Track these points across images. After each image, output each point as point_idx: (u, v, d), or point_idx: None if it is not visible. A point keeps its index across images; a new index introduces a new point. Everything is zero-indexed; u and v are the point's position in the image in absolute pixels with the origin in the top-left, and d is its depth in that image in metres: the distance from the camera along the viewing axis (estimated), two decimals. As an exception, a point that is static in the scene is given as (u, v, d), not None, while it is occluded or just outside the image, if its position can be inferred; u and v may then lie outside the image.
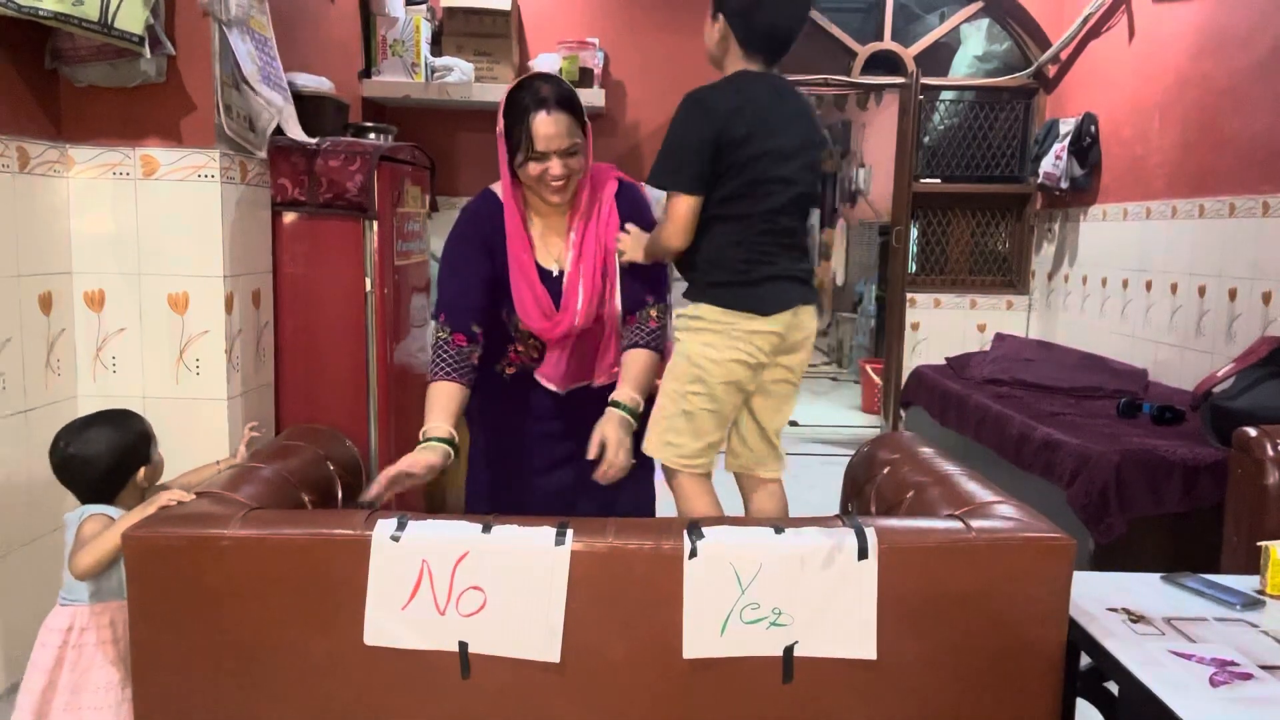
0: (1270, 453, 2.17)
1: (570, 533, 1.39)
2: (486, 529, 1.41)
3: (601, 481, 1.70)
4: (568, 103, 1.74)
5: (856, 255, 8.42)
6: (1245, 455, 2.23)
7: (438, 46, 4.35)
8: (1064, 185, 4.64)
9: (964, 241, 5.43)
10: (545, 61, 4.33)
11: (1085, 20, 4.62)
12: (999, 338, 4.71)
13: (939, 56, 5.39)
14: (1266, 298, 3.26)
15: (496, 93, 4.19)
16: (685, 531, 1.40)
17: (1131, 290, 4.24)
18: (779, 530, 1.42)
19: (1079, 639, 1.43)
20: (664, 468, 1.79)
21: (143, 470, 1.82)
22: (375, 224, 2.62)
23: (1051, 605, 1.41)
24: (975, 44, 5.32)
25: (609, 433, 1.71)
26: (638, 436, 1.79)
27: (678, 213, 1.67)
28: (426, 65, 4.14)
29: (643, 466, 1.88)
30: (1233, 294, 3.47)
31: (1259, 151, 3.36)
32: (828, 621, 1.39)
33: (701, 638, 1.38)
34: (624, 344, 1.87)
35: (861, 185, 8.55)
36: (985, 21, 5.23)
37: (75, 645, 1.72)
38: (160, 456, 1.88)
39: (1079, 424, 3.21)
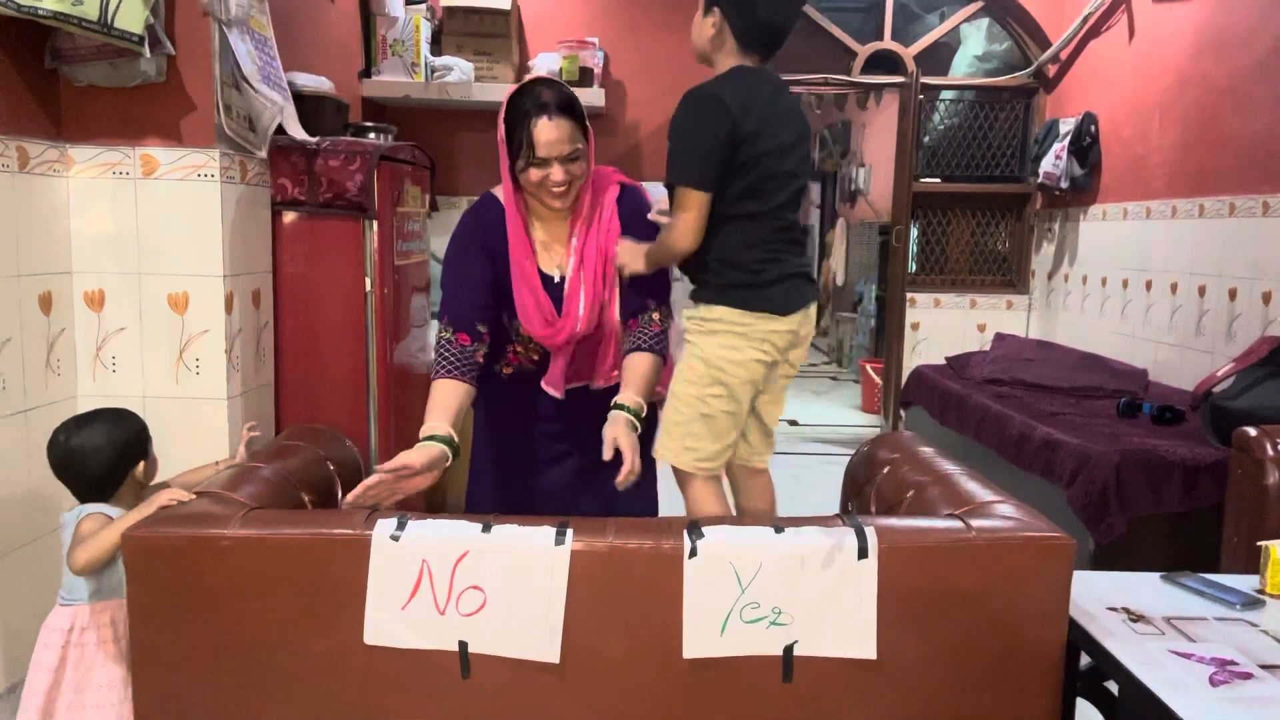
0: (1270, 453, 2.17)
1: (570, 532, 1.39)
2: (486, 529, 1.41)
3: (621, 488, 1.66)
4: (569, 107, 1.73)
5: (856, 255, 8.42)
6: (1245, 455, 2.23)
7: (438, 46, 4.35)
8: (1064, 185, 4.64)
9: (964, 241, 5.43)
10: (545, 61, 4.33)
11: (1085, 20, 4.62)
12: (999, 337, 4.71)
13: (939, 56, 5.39)
14: (1266, 298, 3.26)
15: (496, 92, 4.19)
16: (685, 531, 1.40)
17: (1131, 290, 4.24)
18: (779, 530, 1.42)
19: (1079, 639, 1.43)
20: (677, 473, 1.76)
21: (141, 465, 1.83)
22: (375, 224, 2.62)
23: (1051, 605, 1.41)
24: (975, 44, 5.32)
25: (621, 436, 1.66)
26: (641, 439, 1.77)
27: (689, 212, 1.63)
28: (426, 65, 4.14)
29: (647, 466, 1.87)
30: (1233, 294, 3.47)
31: (1259, 151, 3.36)
32: (828, 621, 1.39)
33: (701, 637, 1.38)
34: (626, 347, 1.86)
35: (861, 185, 8.55)
36: (985, 21, 5.23)
37: (77, 644, 1.72)
38: (155, 455, 1.88)
39: (1079, 424, 3.21)
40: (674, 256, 1.72)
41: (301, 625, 1.40)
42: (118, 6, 2.00)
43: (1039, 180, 4.89)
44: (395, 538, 1.39)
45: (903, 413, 4.86)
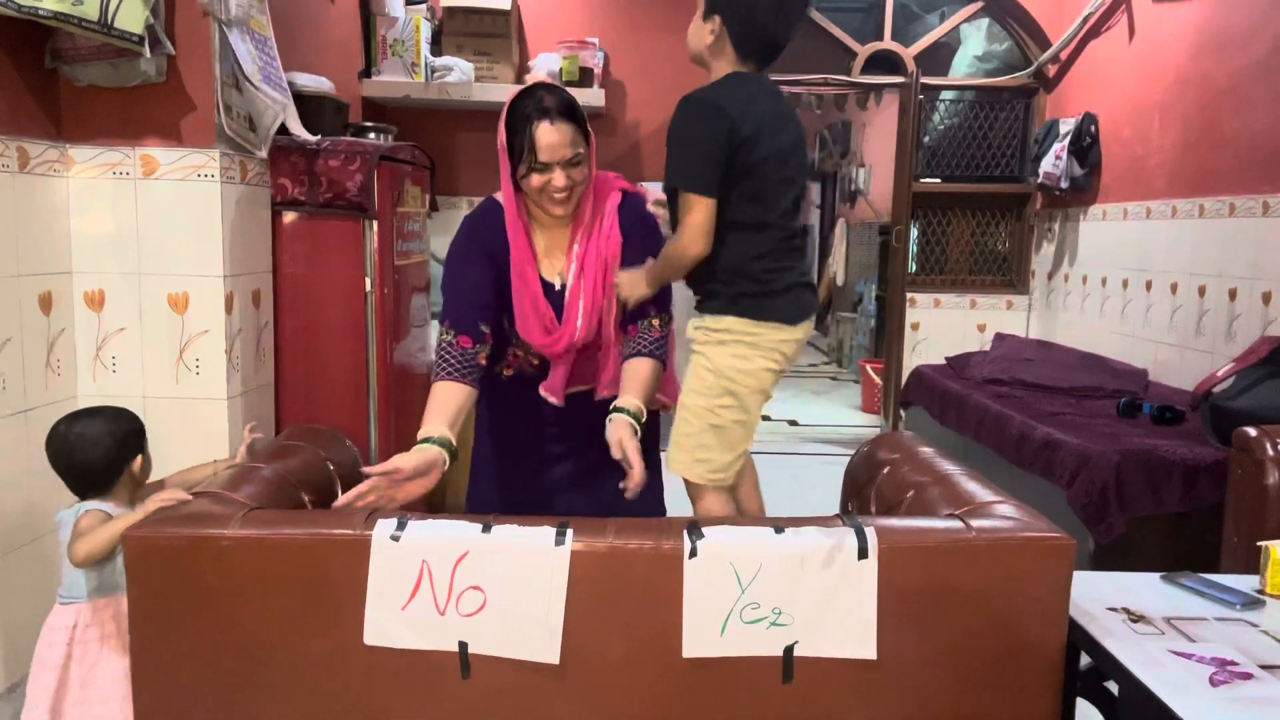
0: (1270, 453, 2.17)
1: (570, 533, 1.39)
2: (486, 529, 1.41)
3: (630, 497, 1.64)
4: (570, 112, 1.72)
5: (856, 255, 8.42)
6: (1245, 455, 2.23)
7: (438, 46, 4.36)
8: (1064, 185, 4.64)
9: (964, 241, 5.43)
10: (545, 61, 4.33)
11: (1085, 20, 4.62)
12: (999, 337, 4.71)
13: (939, 56, 5.39)
14: (1266, 298, 3.26)
15: (496, 92, 4.20)
16: (685, 531, 1.40)
17: (1131, 290, 4.24)
18: (779, 530, 1.42)
19: (1079, 639, 1.43)
20: (688, 484, 1.75)
21: (138, 460, 1.85)
22: (375, 224, 2.62)
23: (1051, 605, 1.41)
24: (975, 44, 5.32)
25: (626, 440, 1.64)
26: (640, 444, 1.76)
27: (696, 218, 1.62)
28: (426, 65, 4.14)
29: (653, 469, 1.86)
30: (1233, 294, 3.47)
31: (1259, 151, 3.36)
32: (828, 621, 1.39)
33: (701, 637, 1.38)
34: (626, 352, 1.84)
35: (861, 185, 8.55)
36: (985, 21, 5.23)
37: (80, 641, 1.75)
38: (150, 455, 1.90)
39: (1079, 424, 3.21)
40: (683, 266, 1.69)
41: (301, 625, 1.40)
42: (118, 6, 2.00)
43: (1039, 180, 4.89)
44: (395, 538, 1.39)
45: (903, 413, 4.86)
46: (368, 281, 2.64)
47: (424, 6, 4.19)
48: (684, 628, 1.38)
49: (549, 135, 1.69)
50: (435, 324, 1.97)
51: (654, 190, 1.91)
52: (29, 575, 2.20)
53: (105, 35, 2.01)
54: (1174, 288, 3.88)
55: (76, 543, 1.70)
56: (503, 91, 4.20)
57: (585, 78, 4.35)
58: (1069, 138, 4.56)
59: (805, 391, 7.05)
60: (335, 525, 1.42)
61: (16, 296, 2.14)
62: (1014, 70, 5.19)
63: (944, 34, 5.23)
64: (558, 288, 1.85)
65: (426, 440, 1.64)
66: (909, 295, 5.10)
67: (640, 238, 1.85)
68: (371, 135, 3.01)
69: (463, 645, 1.39)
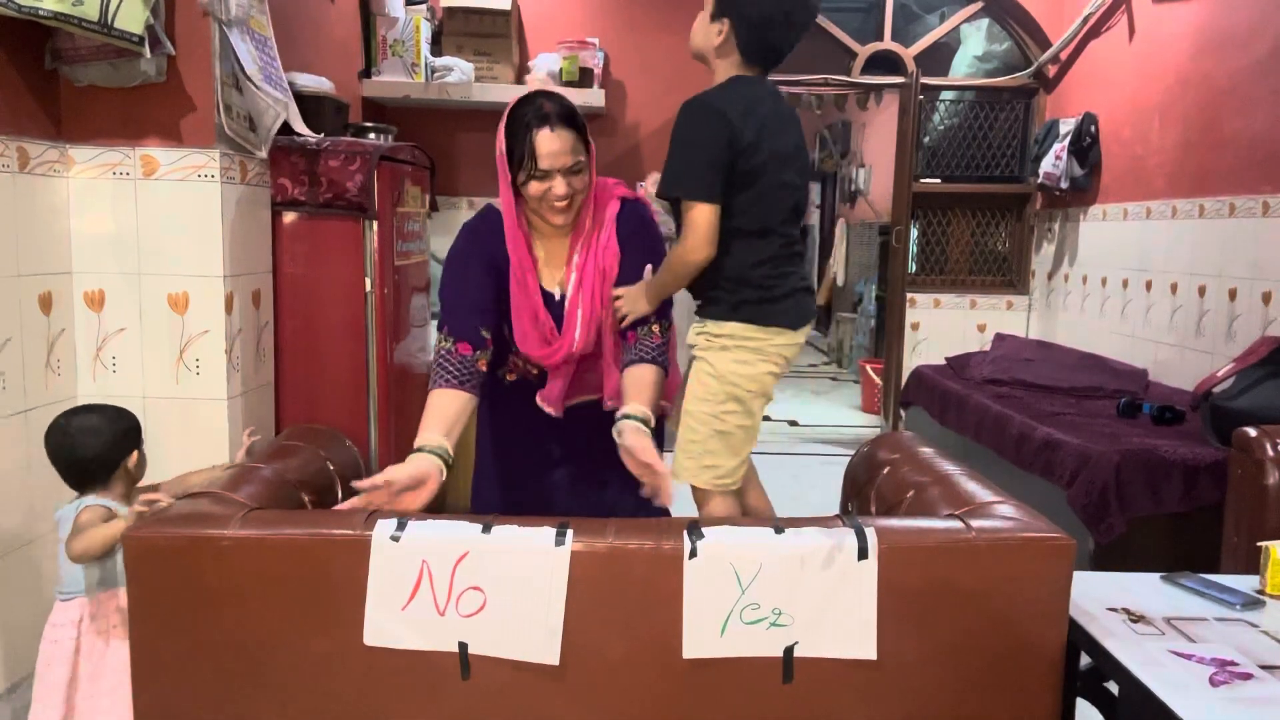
0: (1270, 453, 2.17)
1: (570, 533, 1.39)
2: (486, 529, 1.41)
3: (665, 503, 1.60)
4: (571, 119, 1.70)
5: (856, 255, 8.43)
6: (1245, 455, 2.23)
7: (438, 46, 4.36)
8: (1064, 185, 4.64)
9: (964, 241, 5.43)
10: (545, 61, 4.33)
11: (1085, 20, 4.62)
12: (999, 338, 4.71)
13: (939, 56, 5.39)
14: (1266, 298, 3.26)
15: (496, 93, 4.20)
16: (685, 531, 1.40)
17: (1131, 290, 4.24)
18: (779, 530, 1.42)
19: (1079, 639, 1.43)
20: (695, 491, 1.75)
21: (134, 455, 1.86)
22: (375, 224, 2.62)
23: (1051, 605, 1.41)
24: (975, 44, 5.32)
25: (646, 444, 1.59)
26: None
27: (700, 223, 1.61)
28: (426, 65, 4.14)
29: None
30: (1233, 294, 3.47)
31: (1259, 151, 3.36)
32: (828, 621, 1.39)
33: (701, 638, 1.38)
34: (627, 359, 1.81)
35: (861, 185, 8.55)
36: (985, 21, 5.23)
37: (87, 634, 1.78)
38: (145, 454, 1.92)
39: (1079, 424, 3.21)
40: (688, 273, 1.68)
41: (301, 625, 1.40)
42: (118, 6, 2.00)
43: (1039, 180, 4.89)
44: (395, 538, 1.38)
45: (903, 413, 4.86)
46: (368, 281, 2.63)
47: (424, 6, 4.19)
48: (684, 628, 1.38)
49: (549, 142, 1.67)
50: (435, 324, 1.97)
51: (653, 178, 1.90)
52: (29, 576, 2.20)
53: (105, 35, 2.01)
54: (1174, 288, 3.88)
55: (74, 539, 1.71)
56: (503, 91, 4.21)
57: (585, 78, 4.35)
58: (1069, 138, 4.56)
59: (805, 392, 7.05)
60: (335, 525, 1.42)
61: (16, 296, 2.14)
62: (1014, 70, 5.19)
63: (944, 34, 5.23)
64: (557, 298, 1.83)
65: (421, 449, 1.62)
66: (909, 295, 5.10)
67: (640, 245, 1.83)
68: (371, 135, 3.01)
69: (463, 646, 1.39)
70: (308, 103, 2.76)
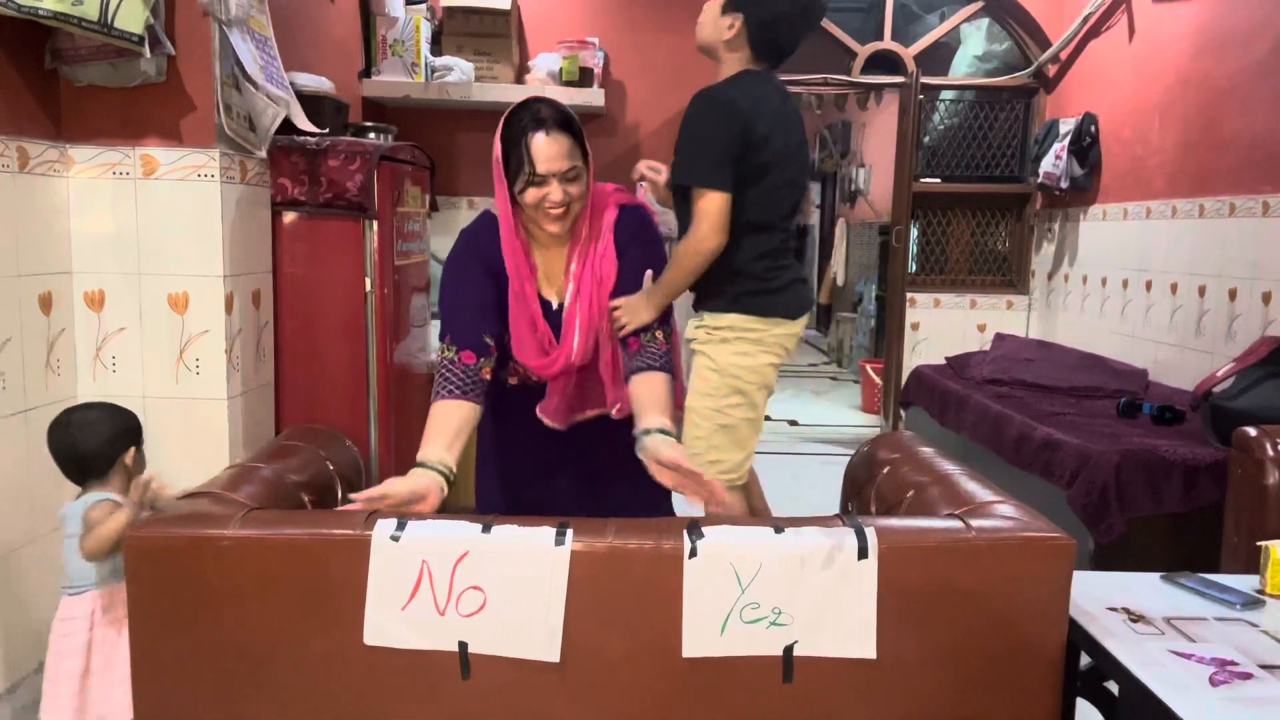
0: (1270, 453, 2.17)
1: (570, 533, 1.39)
2: (486, 529, 1.41)
3: (717, 507, 1.58)
4: (567, 124, 1.69)
5: (856, 255, 8.43)
6: (1245, 455, 2.23)
7: (438, 46, 4.35)
8: (1064, 185, 4.64)
9: (964, 241, 5.43)
10: (545, 61, 4.33)
11: (1085, 20, 4.62)
12: (999, 338, 4.71)
13: (939, 56, 5.39)
14: (1266, 298, 3.26)
15: (496, 93, 4.20)
16: (685, 531, 1.40)
17: (1131, 290, 4.24)
18: (779, 530, 1.42)
19: (1079, 639, 1.43)
20: None
21: (132, 451, 1.88)
22: (375, 224, 2.62)
23: (1051, 605, 1.41)
24: (975, 44, 5.32)
25: (681, 456, 1.56)
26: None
27: (712, 211, 1.60)
28: (426, 65, 4.14)
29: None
30: (1233, 294, 3.47)
31: (1259, 151, 3.36)
32: (827, 621, 1.39)
33: (701, 637, 1.38)
34: (632, 367, 1.77)
35: (861, 185, 8.55)
36: (985, 21, 5.23)
37: (100, 625, 1.79)
38: (144, 453, 1.93)
39: (1079, 424, 3.21)
40: (697, 266, 1.67)
41: (301, 625, 1.40)
42: (118, 6, 2.00)
43: (1039, 180, 4.89)
44: (395, 538, 1.39)
45: (903, 413, 4.86)
46: (368, 281, 2.64)
47: (424, 6, 4.19)
48: (684, 627, 1.38)
49: (546, 146, 1.66)
50: (436, 324, 1.96)
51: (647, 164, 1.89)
52: (30, 575, 2.19)
53: (105, 35, 2.01)
54: (1174, 288, 3.88)
55: (87, 537, 1.73)
56: (503, 91, 4.21)
57: (585, 78, 4.35)
58: (1069, 138, 4.56)
59: (805, 391, 7.05)
60: (335, 525, 1.42)
61: (16, 296, 2.14)
62: (1014, 70, 5.19)
63: (944, 34, 5.23)
64: (555, 307, 1.82)
65: (422, 464, 1.61)
66: (909, 295, 5.10)
67: (639, 251, 1.81)
68: (371, 135, 3.01)
69: (463, 645, 1.39)
70: (308, 103, 2.76)
